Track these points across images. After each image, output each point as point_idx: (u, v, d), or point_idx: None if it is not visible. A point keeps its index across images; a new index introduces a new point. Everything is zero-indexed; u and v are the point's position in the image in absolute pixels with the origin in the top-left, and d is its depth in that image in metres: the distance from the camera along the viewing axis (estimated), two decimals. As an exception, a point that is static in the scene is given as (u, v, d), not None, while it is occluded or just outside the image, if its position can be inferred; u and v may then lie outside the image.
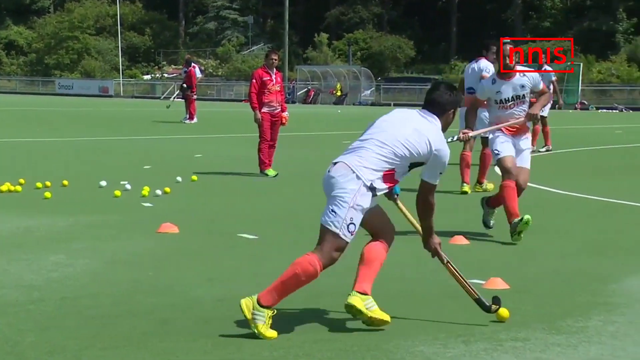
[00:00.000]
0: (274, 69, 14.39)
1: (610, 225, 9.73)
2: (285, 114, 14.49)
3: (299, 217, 10.11)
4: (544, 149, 19.52)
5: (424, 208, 5.65)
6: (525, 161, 8.92)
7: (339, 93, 64.30)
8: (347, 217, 5.37)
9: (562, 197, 12.19)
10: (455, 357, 4.92)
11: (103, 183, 12.42)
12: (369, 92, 65.54)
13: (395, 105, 59.76)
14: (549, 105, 19.63)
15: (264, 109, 14.25)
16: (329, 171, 5.59)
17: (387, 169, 5.43)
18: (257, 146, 14.44)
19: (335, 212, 5.41)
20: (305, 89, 67.70)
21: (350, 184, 5.40)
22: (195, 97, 31.33)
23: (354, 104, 61.91)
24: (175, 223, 9.04)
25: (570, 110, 51.77)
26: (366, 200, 5.39)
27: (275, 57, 14.55)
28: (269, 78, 14.21)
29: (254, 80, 14.29)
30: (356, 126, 31.41)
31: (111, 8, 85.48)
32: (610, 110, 52.79)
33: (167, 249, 8.01)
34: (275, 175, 14.08)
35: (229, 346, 5.08)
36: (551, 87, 20.01)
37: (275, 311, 5.30)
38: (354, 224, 5.39)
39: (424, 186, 5.61)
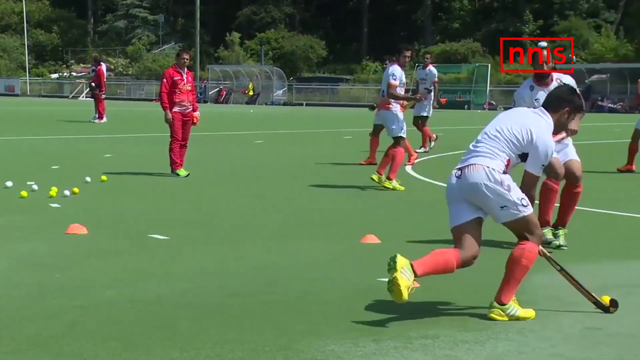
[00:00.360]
0: (185, 69, 14.30)
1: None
2: (196, 113, 14.41)
3: (211, 218, 10.06)
4: (421, 150, 19.23)
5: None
6: (572, 154, 8.57)
7: (251, 93, 64.20)
8: (514, 198, 5.67)
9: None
10: (365, 355, 4.96)
11: (9, 184, 12.15)
12: (281, 91, 65.59)
13: (307, 105, 60.00)
14: (430, 106, 19.93)
15: (175, 109, 14.15)
16: (458, 177, 5.80)
17: (505, 159, 5.76)
18: (168, 146, 14.32)
19: (505, 206, 5.68)
20: (217, 89, 67.41)
21: (489, 179, 5.67)
22: (104, 96, 30.93)
23: (266, 104, 61.89)
24: (84, 224, 8.91)
25: (479, 111, 52.64)
26: (508, 177, 5.72)
27: (187, 57, 14.45)
28: (180, 77, 14.12)
29: (164, 80, 14.18)
30: (268, 126, 31.47)
31: (17, 5, 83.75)
32: (518, 111, 53.67)
33: (76, 250, 7.89)
34: (187, 175, 13.98)
35: (138, 348, 5.03)
36: (433, 87, 20.24)
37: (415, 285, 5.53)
38: (523, 197, 5.71)
39: (526, 176, 5.89)
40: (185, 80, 14.22)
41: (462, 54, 70.88)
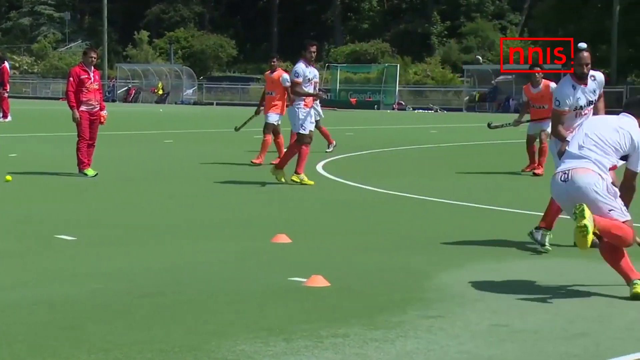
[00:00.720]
0: (92, 67, 14.10)
1: (425, 222, 10.05)
2: (104, 112, 14.23)
3: (119, 217, 9.94)
4: (331, 148, 19.13)
5: (629, 192, 6.64)
6: None
7: (160, 92, 63.62)
8: (619, 204, 6.36)
9: (378, 195, 12.48)
10: (276, 354, 4.96)
11: None
12: (191, 91, 65.15)
13: (217, 104, 59.70)
14: (319, 107, 19.91)
15: (82, 108, 13.94)
16: (565, 180, 6.42)
17: (612, 164, 6.47)
18: (75, 145, 14.10)
19: (613, 209, 6.30)
20: (126, 88, 66.59)
21: (598, 184, 6.31)
22: (7, 94, 30.34)
23: (176, 103, 61.39)
24: (-12, 225, 8.71)
25: (388, 111, 53.12)
26: (613, 184, 6.45)
27: (94, 55, 14.25)
28: (87, 76, 13.92)
29: (71, 79, 13.96)
30: (178, 125, 31.21)
31: None
32: (426, 111, 54.44)
33: (-20, 252, 7.71)
34: (95, 175, 13.78)
35: (45, 350, 4.94)
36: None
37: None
38: (623, 204, 6.44)
39: (629, 173, 6.59)
40: (93, 78, 14.02)
41: (371, 54, 71.43)
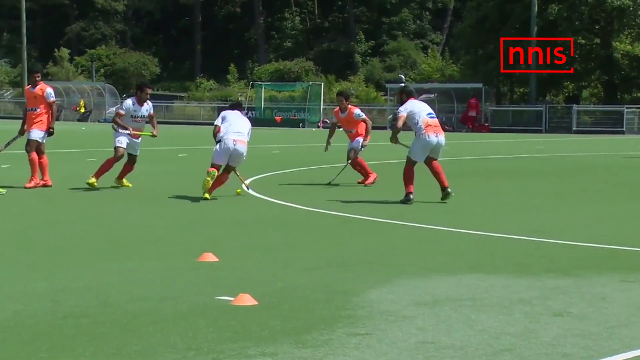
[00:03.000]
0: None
1: (351, 239, 10.07)
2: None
3: (40, 237, 9.78)
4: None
5: None
6: None
7: (82, 110, 62.89)
8: None
9: (305, 212, 12.49)
10: (204, 374, 4.91)
11: None
12: (114, 108, 64.32)
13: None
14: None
15: None
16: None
17: None
18: None
19: None
20: (47, 105, 65.51)
21: None
22: None
23: (98, 121, 60.70)
24: None
25: (313, 129, 53.29)
26: None
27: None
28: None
29: None
30: (102, 143, 30.79)
31: None
32: (350, 129, 54.66)
33: None
34: (4, 193, 13.53)
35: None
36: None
37: None
38: None
39: None
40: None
41: (295, 73, 71.71)
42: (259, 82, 65.12)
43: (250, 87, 65.10)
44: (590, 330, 5.96)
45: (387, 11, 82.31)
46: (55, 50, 75.31)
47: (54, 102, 15.20)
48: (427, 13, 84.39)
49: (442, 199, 13.61)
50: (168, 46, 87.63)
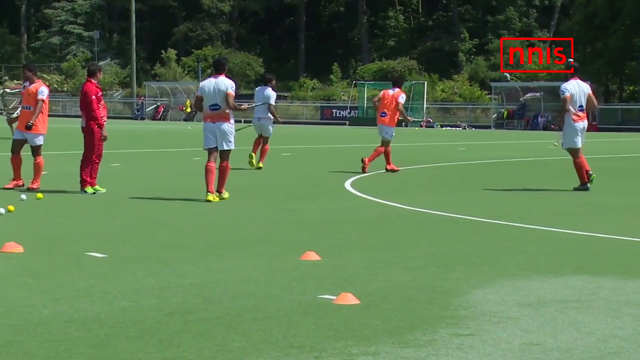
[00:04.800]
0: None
1: (454, 239, 9.99)
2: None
3: (147, 235, 9.97)
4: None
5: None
6: None
7: (188, 109, 63.92)
8: None
9: (408, 212, 12.45)
10: (306, 372, 4.94)
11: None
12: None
13: (245, 122, 59.74)
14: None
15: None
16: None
17: None
18: (84, 163, 14.36)
19: None
20: (154, 106, 66.99)
21: None
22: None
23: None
24: (20, 242, 8.77)
25: (416, 128, 53.04)
26: None
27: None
28: (102, 94, 14.30)
29: (94, 97, 14.22)
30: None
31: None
32: (454, 128, 54.32)
33: (11, 268, 7.76)
34: (94, 193, 13.93)
35: (76, 368, 4.95)
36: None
37: None
38: None
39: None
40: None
41: (398, 72, 71.47)
42: (362, 82, 65.14)
43: (353, 87, 65.19)
44: (702, 335, 5.79)
45: (492, 9, 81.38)
46: (162, 51, 76.76)
47: (42, 100, 14.68)
48: (534, 10, 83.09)
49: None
50: (272, 46, 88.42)
